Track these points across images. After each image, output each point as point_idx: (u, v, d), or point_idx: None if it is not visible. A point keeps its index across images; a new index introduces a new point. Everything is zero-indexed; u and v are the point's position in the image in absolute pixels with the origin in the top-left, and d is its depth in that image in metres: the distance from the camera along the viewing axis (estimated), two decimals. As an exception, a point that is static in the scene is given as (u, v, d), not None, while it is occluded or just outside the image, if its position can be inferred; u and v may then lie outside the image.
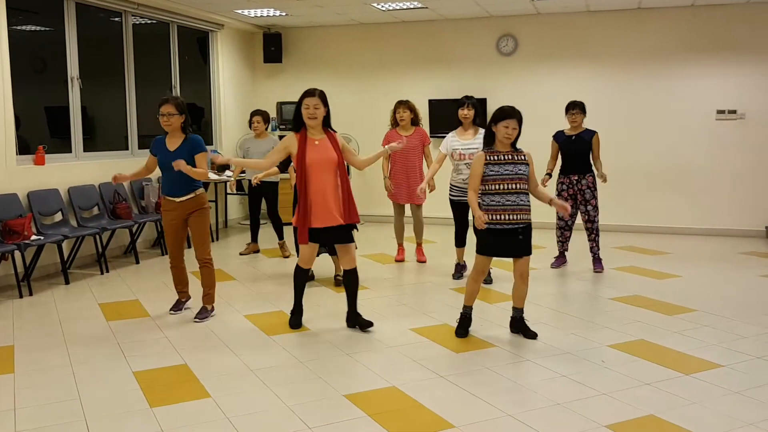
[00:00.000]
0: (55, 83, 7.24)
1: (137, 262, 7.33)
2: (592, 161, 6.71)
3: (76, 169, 7.18)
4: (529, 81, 9.45)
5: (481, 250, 4.66)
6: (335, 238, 4.82)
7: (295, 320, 5.04)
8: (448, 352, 4.51)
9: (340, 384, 3.95)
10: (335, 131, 4.85)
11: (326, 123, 4.78)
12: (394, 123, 7.07)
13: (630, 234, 9.01)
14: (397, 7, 8.76)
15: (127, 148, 8.14)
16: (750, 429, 3.36)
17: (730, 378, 4.03)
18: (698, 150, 8.93)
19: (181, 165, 4.83)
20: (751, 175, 8.76)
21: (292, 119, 4.82)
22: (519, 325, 4.83)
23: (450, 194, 6.36)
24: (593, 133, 6.69)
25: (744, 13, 8.55)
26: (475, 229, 4.78)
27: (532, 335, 4.75)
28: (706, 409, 3.60)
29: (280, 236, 7.74)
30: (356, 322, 4.99)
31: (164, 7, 8.35)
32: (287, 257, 7.58)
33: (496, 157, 4.56)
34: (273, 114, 10.28)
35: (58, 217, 6.78)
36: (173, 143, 5.05)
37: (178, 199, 5.09)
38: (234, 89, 10.22)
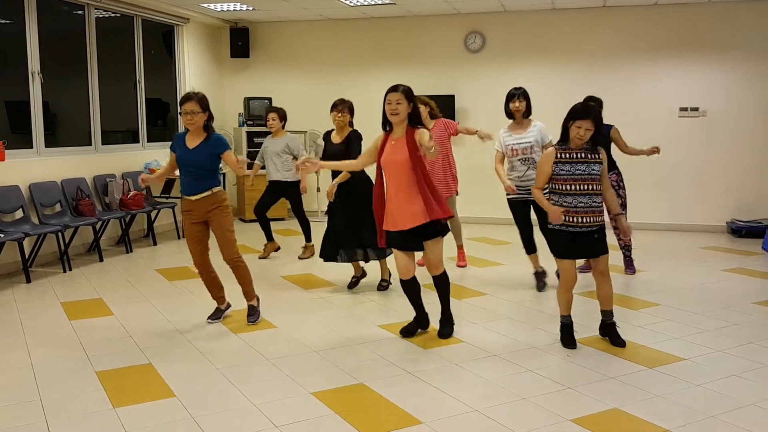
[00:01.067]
0: (15, 77, 7.07)
1: (101, 260, 7.21)
2: (614, 157, 6.30)
3: (38, 165, 7.03)
4: (496, 77, 9.49)
5: (558, 252, 4.40)
6: (420, 238, 4.49)
7: (411, 327, 4.78)
8: (416, 348, 4.51)
9: (308, 382, 3.93)
10: (420, 127, 4.49)
11: (414, 120, 4.52)
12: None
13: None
14: (365, 3, 8.74)
15: (90, 144, 7.99)
16: (712, 421, 3.43)
17: (692, 371, 4.10)
18: (661, 146, 9.00)
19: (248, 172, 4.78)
20: (712, 171, 8.94)
21: (382, 118, 4.57)
22: (609, 331, 4.56)
23: (506, 194, 5.84)
24: (609, 127, 6.25)
25: (706, 12, 8.71)
26: (546, 231, 4.39)
27: (620, 343, 4.48)
28: (669, 401, 3.66)
29: (308, 238, 7.36)
30: (446, 328, 4.75)
31: (128, 0, 8.21)
32: (308, 257, 7.33)
33: (568, 155, 4.28)
34: (240, 110, 10.20)
35: (19, 214, 6.63)
36: (194, 141, 4.83)
37: (193, 198, 4.83)
38: (200, 84, 10.09)
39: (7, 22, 7.20)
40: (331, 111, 5.97)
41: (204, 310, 5.38)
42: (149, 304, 5.57)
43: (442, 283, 4.68)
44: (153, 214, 8.33)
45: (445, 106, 9.54)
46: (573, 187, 4.27)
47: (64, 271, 6.71)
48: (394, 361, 4.26)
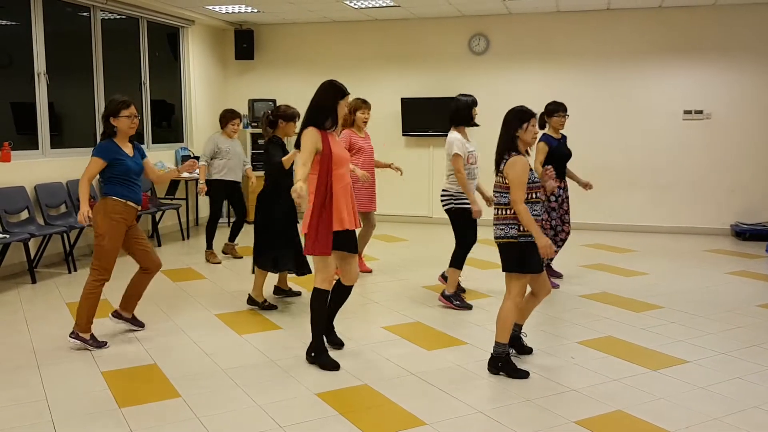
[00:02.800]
0: (21, 79, 7.10)
1: (106, 261, 7.23)
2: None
3: (43, 166, 7.06)
4: (500, 80, 9.52)
5: (524, 269, 4.03)
6: (348, 243, 4.24)
7: (322, 360, 4.21)
8: (420, 349, 4.52)
9: (312, 382, 3.94)
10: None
11: None
12: (351, 123, 6.42)
13: (598, 232, 9.13)
14: (370, 5, 8.76)
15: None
16: (714, 423, 3.44)
17: (695, 373, 4.11)
18: (665, 149, 9.08)
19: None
20: (716, 174, 8.93)
21: (315, 111, 4.18)
22: (518, 342, 4.43)
23: (457, 204, 5.43)
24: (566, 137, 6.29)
25: (711, 15, 8.71)
26: (518, 246, 4.01)
27: (528, 350, 4.44)
28: (672, 404, 3.66)
29: (233, 239, 7.45)
30: (329, 337, 4.56)
31: (133, 2, 8.24)
32: (216, 263, 7.27)
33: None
34: (245, 112, 10.22)
35: (25, 215, 6.66)
36: (128, 148, 4.65)
37: (139, 206, 4.74)
38: (205, 86, 10.13)
39: (14, 23, 7.23)
40: (294, 120, 5.60)
41: (210, 311, 5.40)
42: (154, 304, 5.58)
43: (347, 295, 4.46)
44: (157, 215, 8.36)
45: (449, 108, 9.56)
46: (536, 196, 4.07)
47: (69, 272, 6.73)
48: (398, 363, 4.27)
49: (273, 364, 4.24)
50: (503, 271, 4.07)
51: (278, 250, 5.36)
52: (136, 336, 4.79)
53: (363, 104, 6.48)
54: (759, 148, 8.76)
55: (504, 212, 4.06)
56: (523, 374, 4.06)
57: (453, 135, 5.50)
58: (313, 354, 4.25)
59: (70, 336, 4.54)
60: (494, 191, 4.17)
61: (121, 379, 3.99)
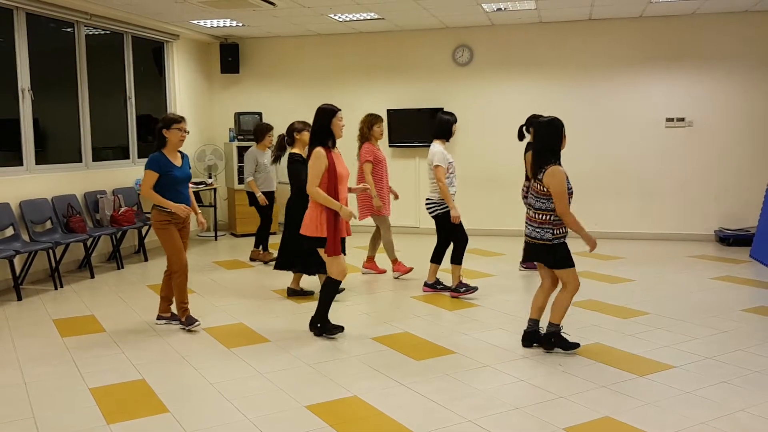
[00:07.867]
0: (5, 95, 7.08)
1: (92, 277, 7.20)
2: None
3: (28, 183, 7.02)
4: (484, 90, 9.59)
5: (569, 262, 4.52)
6: (343, 247, 5.07)
7: (327, 328, 5.07)
8: (409, 359, 4.53)
9: (302, 395, 3.94)
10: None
11: None
12: (369, 137, 6.89)
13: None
14: (354, 18, 8.81)
15: (80, 161, 7.99)
16: (702, 427, 3.46)
17: (682, 378, 4.14)
18: (648, 156, 9.17)
19: None
20: (699, 180, 9.03)
21: (318, 133, 4.85)
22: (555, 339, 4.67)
23: (442, 210, 6.09)
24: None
25: (690, 24, 8.83)
26: (554, 247, 4.50)
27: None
28: (660, 409, 3.69)
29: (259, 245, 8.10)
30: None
31: (118, 17, 8.24)
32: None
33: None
34: (231, 125, 10.24)
35: (10, 231, 6.62)
36: (177, 159, 5.24)
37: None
38: (190, 100, 10.13)
39: (-3, 40, 7.21)
40: (307, 129, 6.21)
41: (198, 325, 5.39)
42: (141, 320, 5.56)
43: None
44: (144, 230, 8.33)
45: (434, 119, 9.61)
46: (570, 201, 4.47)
47: (56, 288, 6.69)
48: (386, 373, 4.27)
49: (262, 377, 4.23)
50: (554, 268, 4.53)
51: (311, 255, 5.88)
52: (123, 351, 4.76)
53: (379, 119, 7.00)
54: (741, 154, 8.87)
55: (541, 216, 4.48)
56: (575, 345, 4.61)
57: (436, 147, 6.13)
58: (318, 325, 5.05)
59: (156, 319, 5.51)
60: (531, 195, 4.58)
61: (109, 395, 3.97)
